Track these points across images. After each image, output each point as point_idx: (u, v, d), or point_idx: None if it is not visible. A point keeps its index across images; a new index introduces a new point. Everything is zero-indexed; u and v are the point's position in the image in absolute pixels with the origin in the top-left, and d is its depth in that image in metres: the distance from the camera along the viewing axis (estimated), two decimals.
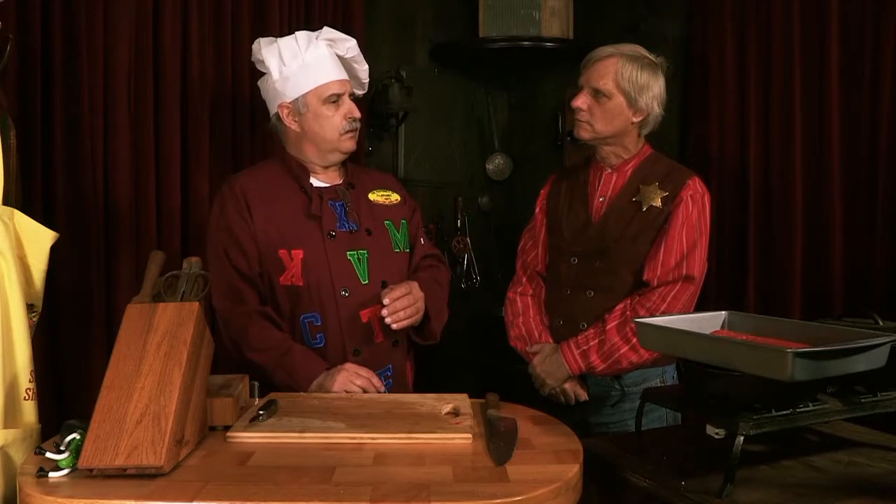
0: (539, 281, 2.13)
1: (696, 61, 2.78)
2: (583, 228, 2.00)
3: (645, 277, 1.91)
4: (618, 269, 1.94)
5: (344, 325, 1.81)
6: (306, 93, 1.85)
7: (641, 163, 2.00)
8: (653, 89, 1.93)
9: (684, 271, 1.88)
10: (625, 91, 1.91)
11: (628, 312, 1.89)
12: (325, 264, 1.81)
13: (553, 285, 2.08)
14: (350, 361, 1.76)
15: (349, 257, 1.84)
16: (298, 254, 1.80)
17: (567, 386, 1.98)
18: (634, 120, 1.95)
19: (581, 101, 1.96)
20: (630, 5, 3.11)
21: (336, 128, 1.87)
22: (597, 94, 1.93)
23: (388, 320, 1.74)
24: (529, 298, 2.11)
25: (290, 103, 1.87)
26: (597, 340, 1.91)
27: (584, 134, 1.98)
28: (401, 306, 1.75)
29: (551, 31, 3.17)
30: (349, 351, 1.80)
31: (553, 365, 1.98)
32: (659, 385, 1.96)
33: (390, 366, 1.87)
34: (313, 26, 2.04)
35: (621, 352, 1.88)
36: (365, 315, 1.81)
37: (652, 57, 1.96)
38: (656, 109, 1.95)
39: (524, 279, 2.15)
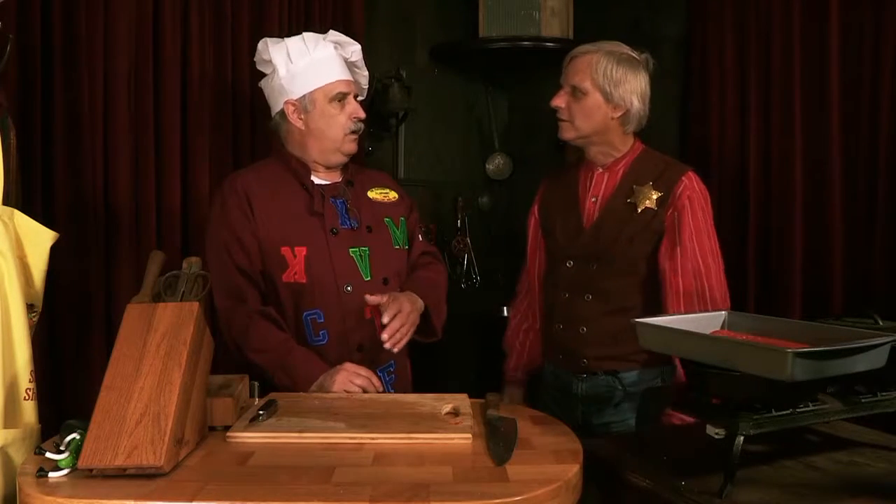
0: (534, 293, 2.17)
1: (696, 61, 2.78)
2: (576, 232, 1.99)
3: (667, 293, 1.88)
4: (615, 272, 1.93)
5: (347, 322, 1.80)
6: (313, 90, 1.85)
7: (633, 161, 1.98)
8: (630, 83, 1.91)
9: (708, 299, 1.85)
10: (600, 87, 1.90)
11: None
12: (329, 261, 1.81)
13: (551, 290, 2.07)
14: (354, 357, 1.76)
15: (351, 254, 1.84)
16: (302, 251, 1.80)
17: None
18: (614, 115, 1.93)
19: (559, 100, 1.96)
20: (630, 5, 3.11)
21: (341, 127, 1.87)
22: (574, 91, 1.94)
23: (387, 345, 1.72)
24: (520, 314, 2.21)
25: (296, 100, 1.86)
26: None
27: (567, 134, 1.97)
28: (397, 327, 1.73)
29: (551, 31, 3.17)
30: (353, 347, 1.80)
31: None
32: (659, 385, 1.96)
33: (393, 361, 1.87)
34: (313, 27, 2.04)
35: None
36: (368, 311, 1.81)
37: (634, 54, 1.95)
38: (636, 104, 1.92)
39: (520, 293, 2.23)
